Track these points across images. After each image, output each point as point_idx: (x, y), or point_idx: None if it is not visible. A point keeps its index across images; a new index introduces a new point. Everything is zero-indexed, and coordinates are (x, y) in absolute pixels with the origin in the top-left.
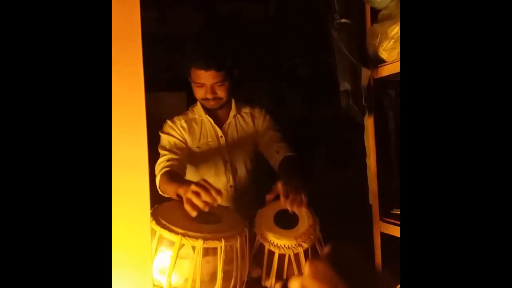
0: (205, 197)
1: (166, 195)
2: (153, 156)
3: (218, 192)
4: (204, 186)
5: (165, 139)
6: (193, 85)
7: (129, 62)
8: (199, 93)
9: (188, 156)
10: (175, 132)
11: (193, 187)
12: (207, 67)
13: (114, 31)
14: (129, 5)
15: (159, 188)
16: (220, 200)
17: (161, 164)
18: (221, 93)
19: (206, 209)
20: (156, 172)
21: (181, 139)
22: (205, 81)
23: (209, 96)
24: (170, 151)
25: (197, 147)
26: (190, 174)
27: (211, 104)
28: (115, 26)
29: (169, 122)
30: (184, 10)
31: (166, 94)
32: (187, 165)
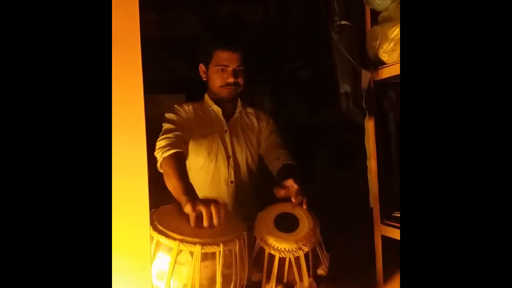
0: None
1: (161, 171)
2: (153, 159)
3: (219, 215)
4: (207, 210)
5: (171, 116)
6: (213, 70)
7: (128, 65)
8: (220, 79)
9: (191, 144)
10: (181, 112)
11: (199, 208)
12: (234, 49)
13: (113, 34)
14: (129, 8)
15: (159, 166)
16: (217, 223)
17: (167, 136)
18: (240, 79)
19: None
20: (160, 144)
21: (186, 119)
22: (229, 63)
23: (231, 80)
24: (176, 125)
25: (201, 135)
26: (192, 164)
27: (229, 90)
28: (115, 29)
29: (176, 105)
30: (184, 13)
31: (166, 97)
32: (189, 154)
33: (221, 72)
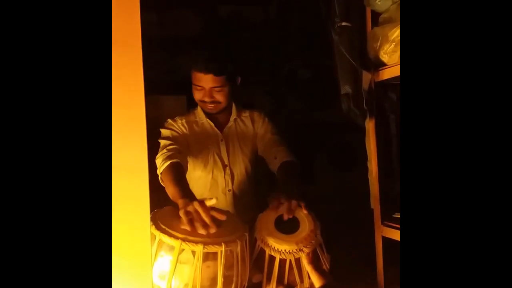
0: (201, 219)
1: (164, 185)
2: (153, 160)
3: (214, 222)
4: (204, 209)
5: (166, 132)
6: (193, 87)
7: (129, 66)
8: (197, 95)
9: (189, 158)
10: (175, 127)
11: (195, 205)
12: (206, 71)
13: (114, 34)
14: (129, 9)
15: (160, 179)
16: (214, 230)
17: (162, 152)
18: (219, 97)
19: (203, 232)
20: (158, 161)
21: (181, 133)
22: (204, 84)
23: (206, 99)
24: (171, 140)
25: (197, 149)
26: (190, 176)
27: (209, 107)
28: (115, 29)
29: (170, 120)
30: (184, 13)
31: (166, 98)
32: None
33: (199, 90)
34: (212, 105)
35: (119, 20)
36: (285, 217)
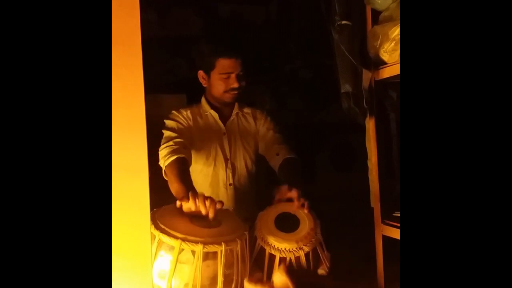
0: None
1: (166, 179)
2: (153, 160)
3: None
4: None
5: (171, 123)
6: (216, 77)
7: (129, 65)
8: (223, 85)
9: (191, 150)
10: (180, 119)
11: (198, 202)
12: (236, 56)
13: (114, 34)
14: (129, 9)
15: (164, 175)
16: (220, 206)
17: (168, 144)
18: (243, 82)
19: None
20: (162, 153)
21: (186, 125)
22: (232, 70)
23: (235, 85)
24: (177, 133)
25: (200, 140)
26: (191, 168)
27: (233, 95)
28: (115, 29)
29: (174, 112)
30: (185, 13)
31: (166, 97)
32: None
33: (225, 79)
34: (236, 92)
35: (119, 20)
36: (296, 203)
